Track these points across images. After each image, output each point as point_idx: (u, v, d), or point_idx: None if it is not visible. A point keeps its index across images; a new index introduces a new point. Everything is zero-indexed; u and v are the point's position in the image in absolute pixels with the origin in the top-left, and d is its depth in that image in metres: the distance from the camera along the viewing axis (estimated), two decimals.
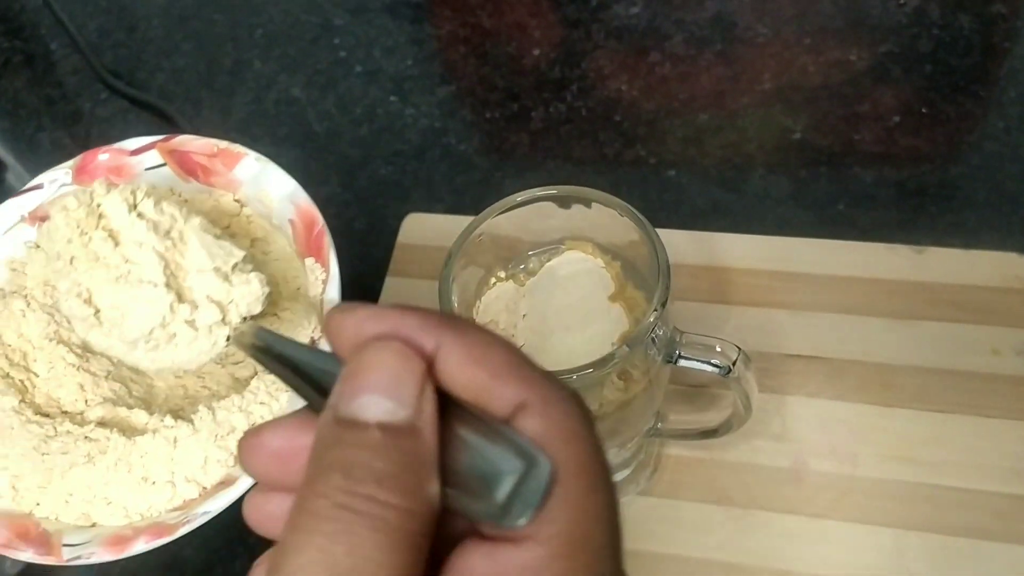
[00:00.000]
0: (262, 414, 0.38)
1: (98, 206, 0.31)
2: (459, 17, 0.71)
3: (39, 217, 0.44)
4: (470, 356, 0.20)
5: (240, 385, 0.40)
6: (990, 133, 0.58)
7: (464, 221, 0.59)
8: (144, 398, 0.40)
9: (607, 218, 0.39)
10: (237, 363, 0.41)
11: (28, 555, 0.36)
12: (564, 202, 0.40)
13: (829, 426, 0.48)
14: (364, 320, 0.21)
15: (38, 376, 0.41)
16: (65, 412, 0.40)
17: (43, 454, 0.38)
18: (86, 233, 0.31)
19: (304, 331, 0.39)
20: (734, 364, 0.36)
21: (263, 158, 0.43)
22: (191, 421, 0.37)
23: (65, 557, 0.36)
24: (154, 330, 0.29)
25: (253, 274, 0.30)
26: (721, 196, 0.58)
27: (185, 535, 0.36)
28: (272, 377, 0.38)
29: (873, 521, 0.45)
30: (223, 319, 0.30)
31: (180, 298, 0.30)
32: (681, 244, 0.55)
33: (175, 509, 0.37)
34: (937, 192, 0.56)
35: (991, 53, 0.62)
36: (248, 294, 0.30)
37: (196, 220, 0.31)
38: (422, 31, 0.72)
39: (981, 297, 0.50)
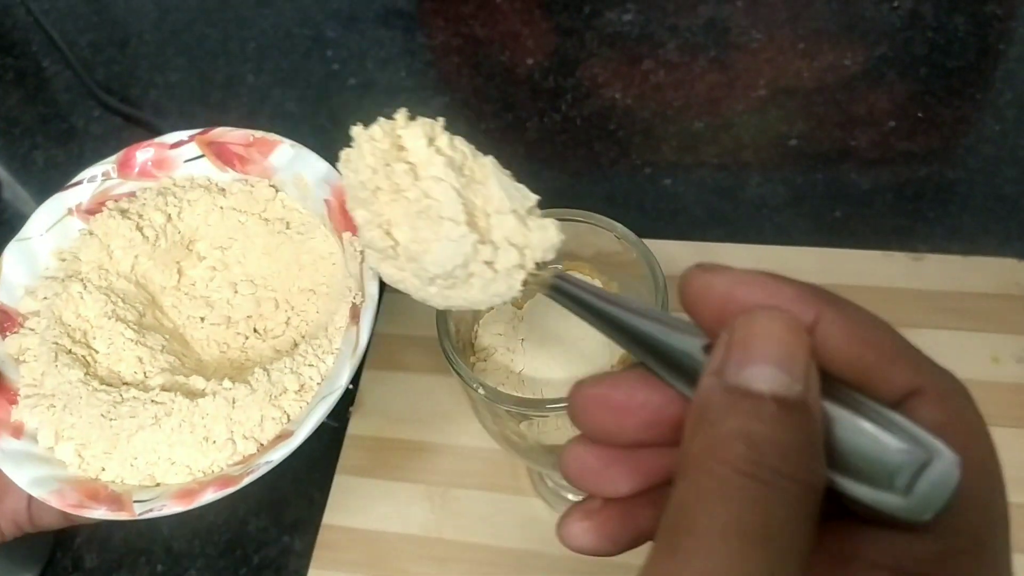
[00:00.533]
0: (311, 375, 0.40)
1: (398, 137, 0.31)
2: (452, 27, 0.71)
3: (86, 211, 0.46)
4: (857, 334, 0.20)
5: (281, 356, 0.42)
6: (987, 136, 0.58)
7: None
8: (196, 368, 0.43)
9: (604, 239, 0.39)
10: (276, 337, 0.45)
11: (101, 512, 0.37)
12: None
13: None
14: (735, 284, 0.20)
15: (98, 352, 0.43)
16: (127, 383, 0.42)
17: (111, 420, 0.39)
18: (388, 164, 0.31)
19: (344, 303, 0.41)
20: None
21: (297, 144, 0.45)
22: (248, 383, 0.39)
23: (137, 512, 0.37)
24: (455, 268, 0.29)
25: (548, 220, 0.30)
26: (718, 205, 0.58)
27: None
28: (319, 341, 0.40)
29: None
30: (521, 263, 0.29)
31: (481, 238, 0.29)
32: (678, 256, 0.55)
33: (236, 464, 0.39)
34: (934, 197, 0.56)
35: (986, 55, 0.62)
36: (544, 240, 0.29)
37: (490, 159, 0.31)
38: (415, 42, 0.72)
39: (980, 304, 0.50)
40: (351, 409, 0.54)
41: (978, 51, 0.62)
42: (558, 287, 0.27)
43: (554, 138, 0.64)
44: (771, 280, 0.20)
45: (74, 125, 0.73)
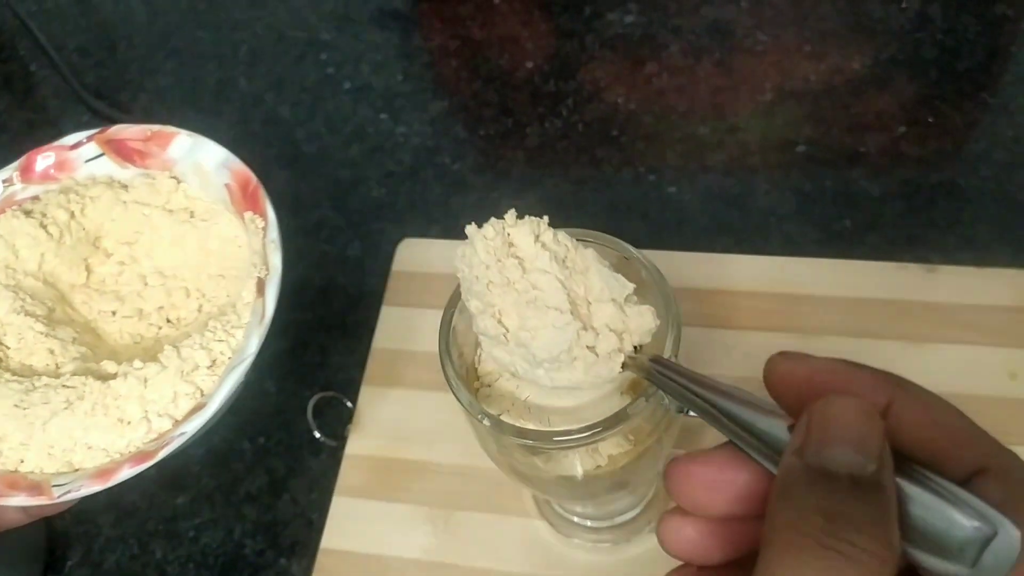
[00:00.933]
0: (221, 349, 0.42)
1: (508, 235, 0.34)
2: (449, 29, 0.70)
3: None
4: (927, 417, 0.23)
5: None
6: (999, 142, 0.57)
7: (458, 245, 0.58)
8: (110, 357, 0.44)
9: (611, 258, 0.37)
10: (189, 324, 0.46)
11: (20, 499, 0.38)
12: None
13: None
14: (816, 371, 0.23)
15: (9, 348, 0.44)
16: (38, 374, 0.43)
17: (24, 409, 0.40)
18: (500, 260, 0.34)
19: (251, 280, 0.42)
20: None
21: (194, 134, 0.47)
22: (159, 361, 0.41)
23: (56, 495, 0.38)
24: (560, 353, 0.31)
25: (645, 307, 0.32)
26: (724, 213, 0.57)
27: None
28: (228, 317, 0.42)
29: None
30: (619, 347, 0.32)
31: (584, 325, 0.32)
32: (685, 267, 0.54)
33: (152, 441, 0.40)
34: (946, 205, 0.55)
35: (996, 57, 0.61)
36: (641, 325, 0.32)
37: (591, 251, 0.33)
38: (411, 44, 0.71)
39: (995, 318, 0.49)
40: (349, 427, 0.52)
41: (988, 53, 0.61)
42: (654, 371, 0.30)
43: (555, 144, 0.62)
44: (848, 367, 0.23)
45: (63, 130, 0.70)
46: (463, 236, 0.58)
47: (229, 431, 0.55)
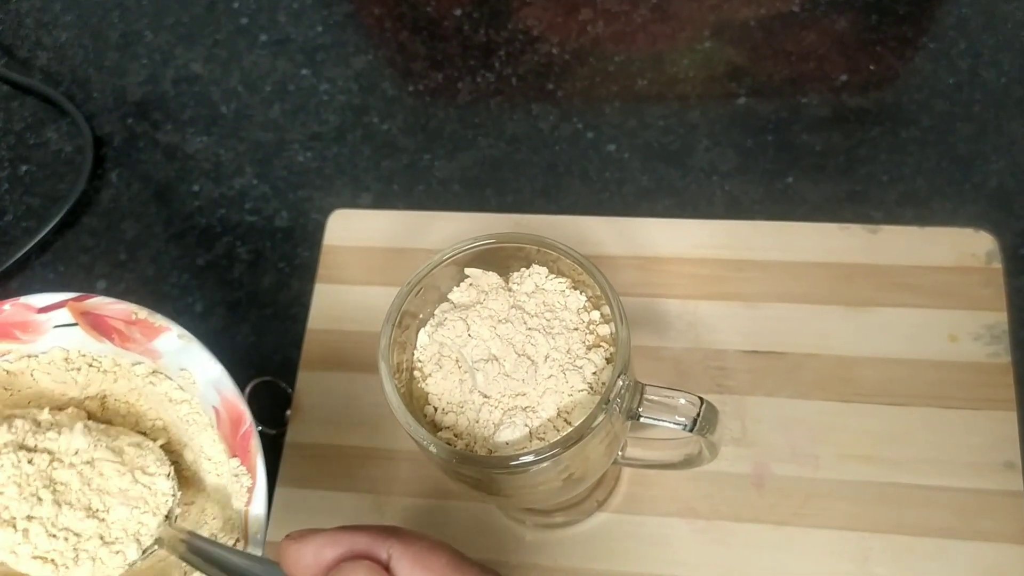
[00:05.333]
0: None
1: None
2: None
3: None
4: (418, 561, 0.26)
5: None
6: (940, 91, 0.56)
7: (393, 216, 0.56)
8: None
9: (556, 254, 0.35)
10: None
11: None
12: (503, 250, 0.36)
13: (789, 427, 0.47)
14: (322, 547, 0.26)
15: None
16: None
17: None
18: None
19: (226, 536, 0.37)
20: (697, 419, 0.34)
21: (186, 334, 0.39)
22: None
23: None
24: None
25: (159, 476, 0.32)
26: (665, 172, 0.55)
27: None
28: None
29: (836, 526, 0.45)
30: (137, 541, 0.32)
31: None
32: (627, 233, 0.52)
33: None
34: (888, 159, 0.54)
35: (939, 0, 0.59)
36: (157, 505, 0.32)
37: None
38: None
39: (937, 278, 0.49)
40: (288, 414, 0.51)
41: None
42: (193, 549, 0.32)
43: (488, 100, 0.59)
44: (349, 535, 0.26)
45: None
46: (396, 204, 0.56)
47: None
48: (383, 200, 0.57)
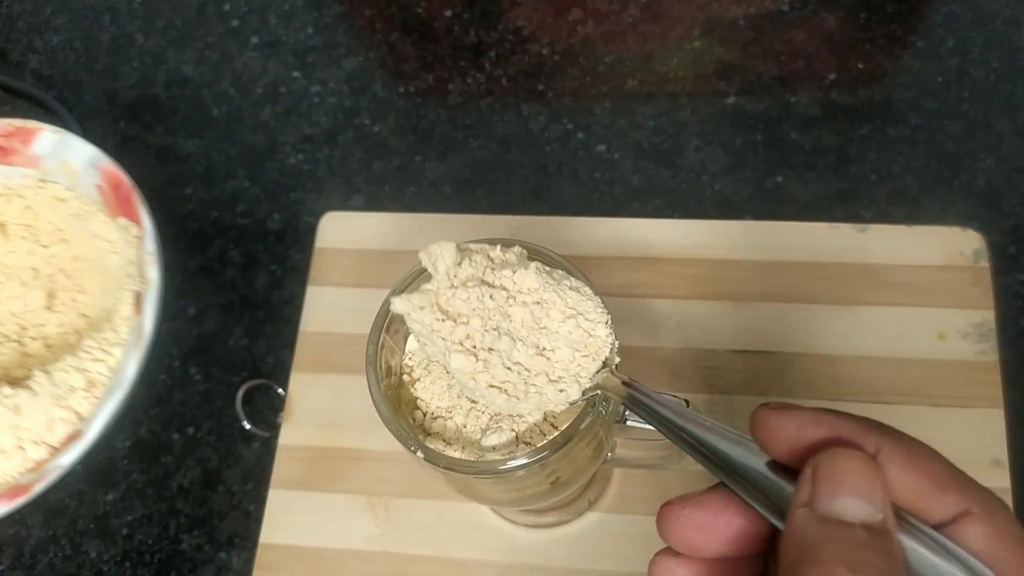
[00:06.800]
0: (99, 370, 0.40)
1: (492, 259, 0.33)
2: None
3: None
4: (912, 463, 0.23)
5: (61, 355, 0.42)
6: (929, 89, 0.56)
7: (384, 218, 0.56)
8: None
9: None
10: (55, 331, 0.44)
11: None
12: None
13: None
14: (805, 424, 0.23)
15: None
16: None
17: None
18: (483, 284, 0.33)
19: (127, 291, 0.40)
20: None
21: (60, 129, 0.44)
22: (29, 387, 0.39)
23: None
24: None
25: (602, 333, 0.32)
26: (655, 172, 0.55)
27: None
28: (105, 334, 0.41)
29: None
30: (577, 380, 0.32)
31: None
32: (617, 233, 0.52)
33: (29, 471, 0.39)
34: (877, 157, 0.54)
35: None
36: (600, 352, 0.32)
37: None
38: None
39: (925, 277, 0.49)
40: (281, 416, 0.51)
41: None
42: (630, 396, 0.30)
43: (479, 101, 0.59)
44: (835, 418, 0.24)
45: None
46: (388, 206, 0.56)
47: (156, 423, 0.53)
48: (374, 202, 0.57)
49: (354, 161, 0.59)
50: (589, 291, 0.33)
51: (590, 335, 0.32)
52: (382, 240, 0.54)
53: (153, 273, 0.40)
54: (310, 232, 0.56)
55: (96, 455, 0.52)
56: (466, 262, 0.32)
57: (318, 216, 0.56)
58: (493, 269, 0.33)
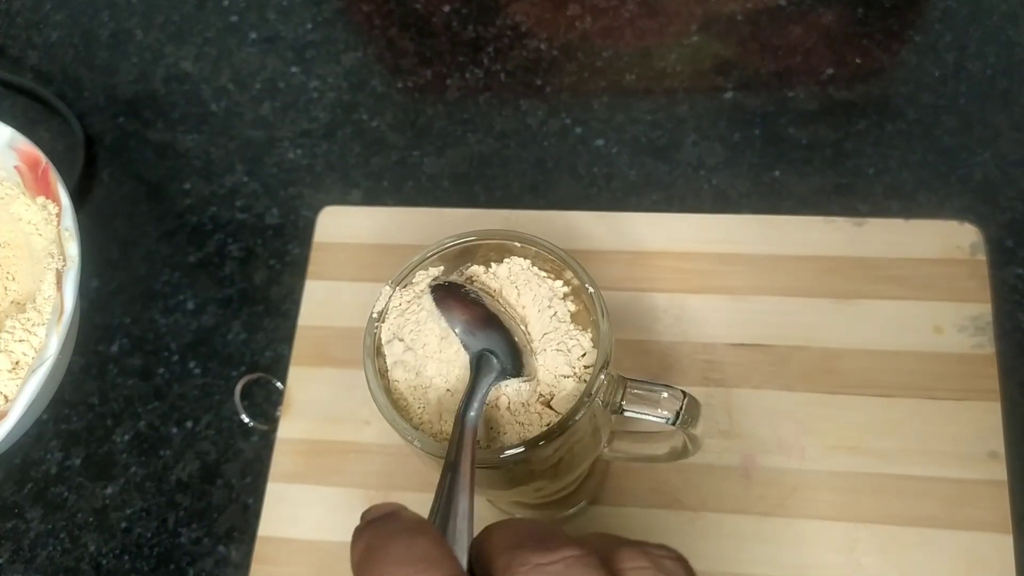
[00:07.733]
0: (23, 350, 0.40)
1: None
2: None
3: None
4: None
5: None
6: (926, 84, 0.56)
7: (382, 213, 0.56)
8: None
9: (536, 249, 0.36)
10: None
11: None
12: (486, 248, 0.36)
13: (776, 419, 0.47)
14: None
15: None
16: None
17: None
18: None
19: (49, 270, 0.41)
20: (680, 412, 0.34)
21: None
22: None
23: None
24: None
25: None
26: (653, 167, 0.56)
27: None
28: (28, 315, 0.41)
29: (822, 516, 0.45)
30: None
31: None
32: (614, 227, 0.53)
33: None
34: (874, 152, 0.54)
35: None
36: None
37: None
38: None
39: (922, 271, 0.49)
40: (280, 410, 0.51)
41: None
42: None
43: (477, 96, 0.60)
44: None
45: None
46: (386, 200, 0.56)
47: (155, 417, 0.53)
48: (373, 197, 0.57)
49: (352, 156, 0.59)
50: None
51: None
52: (380, 234, 0.54)
53: (73, 249, 0.40)
54: (308, 227, 0.56)
55: (95, 448, 0.52)
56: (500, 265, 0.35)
57: (316, 211, 0.56)
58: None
